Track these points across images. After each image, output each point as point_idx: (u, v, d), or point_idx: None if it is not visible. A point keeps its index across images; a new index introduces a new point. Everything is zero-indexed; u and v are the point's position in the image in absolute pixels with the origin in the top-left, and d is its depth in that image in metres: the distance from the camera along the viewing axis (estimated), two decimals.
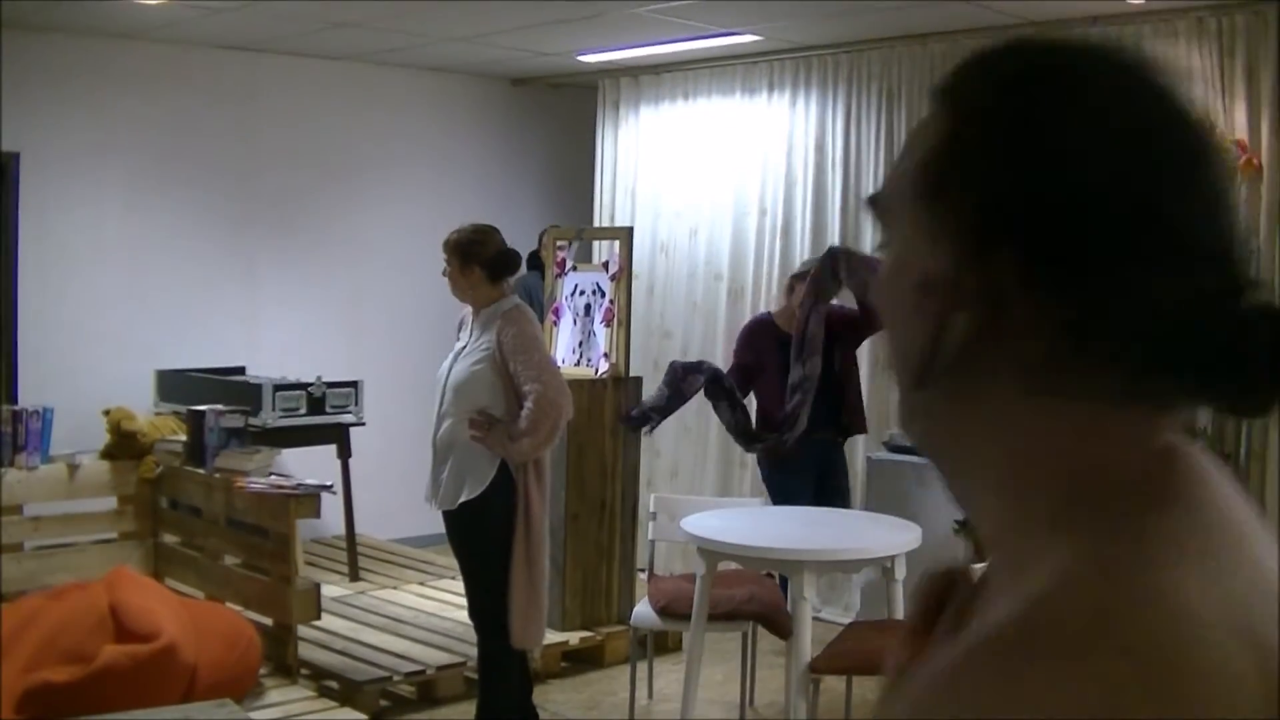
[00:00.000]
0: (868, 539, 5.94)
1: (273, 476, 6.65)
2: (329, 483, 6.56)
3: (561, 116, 10.69)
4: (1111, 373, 0.99)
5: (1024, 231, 0.99)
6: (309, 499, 6.38)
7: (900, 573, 5.86)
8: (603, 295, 7.32)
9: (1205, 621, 0.89)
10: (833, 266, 6.87)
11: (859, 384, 7.42)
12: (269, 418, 7.94)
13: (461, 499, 5.52)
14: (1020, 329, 1.00)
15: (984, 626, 0.95)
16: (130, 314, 8.78)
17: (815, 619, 5.75)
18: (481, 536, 5.55)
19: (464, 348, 5.63)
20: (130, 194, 8.80)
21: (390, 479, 8.91)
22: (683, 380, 6.80)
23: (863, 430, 7.35)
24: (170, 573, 7.19)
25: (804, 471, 7.00)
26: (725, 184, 9.15)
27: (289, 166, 9.51)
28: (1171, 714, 0.85)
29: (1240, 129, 6.76)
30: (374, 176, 9.89)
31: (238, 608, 6.59)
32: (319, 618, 6.54)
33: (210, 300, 9.14)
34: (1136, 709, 0.85)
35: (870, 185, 8.32)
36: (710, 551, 5.77)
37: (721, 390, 6.87)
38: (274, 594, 6.47)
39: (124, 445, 7.16)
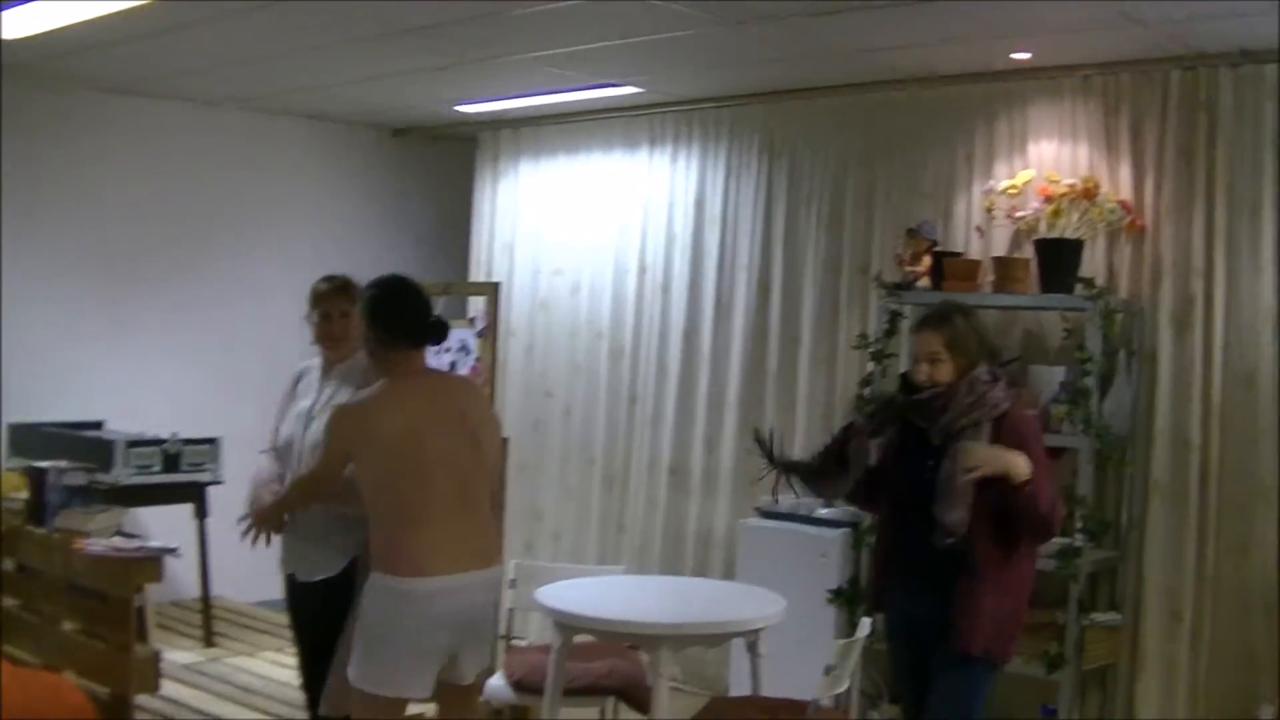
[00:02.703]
0: (730, 612, 5.69)
1: (117, 538, 6.31)
2: (174, 545, 6.23)
3: (442, 168, 10.47)
4: None
5: None
6: (150, 563, 6.05)
7: (764, 647, 5.63)
8: (469, 353, 7.06)
9: None
10: None
11: None
12: (121, 475, 7.63)
13: (327, 574, 5.12)
14: None
15: None
16: None
17: (680, 691, 5.52)
18: (340, 610, 5.09)
19: (314, 405, 5.22)
20: None
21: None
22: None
23: None
24: (10, 639, 6.80)
25: None
26: (606, 240, 8.97)
27: (164, 213, 9.24)
28: None
29: (1125, 188, 6.64)
30: (251, 226, 9.63)
31: (75, 678, 6.23)
32: (157, 689, 6.18)
33: (74, 352, 8.80)
34: None
35: (747, 241, 8.17)
36: (565, 625, 5.51)
37: None
38: (112, 663, 6.09)
39: None
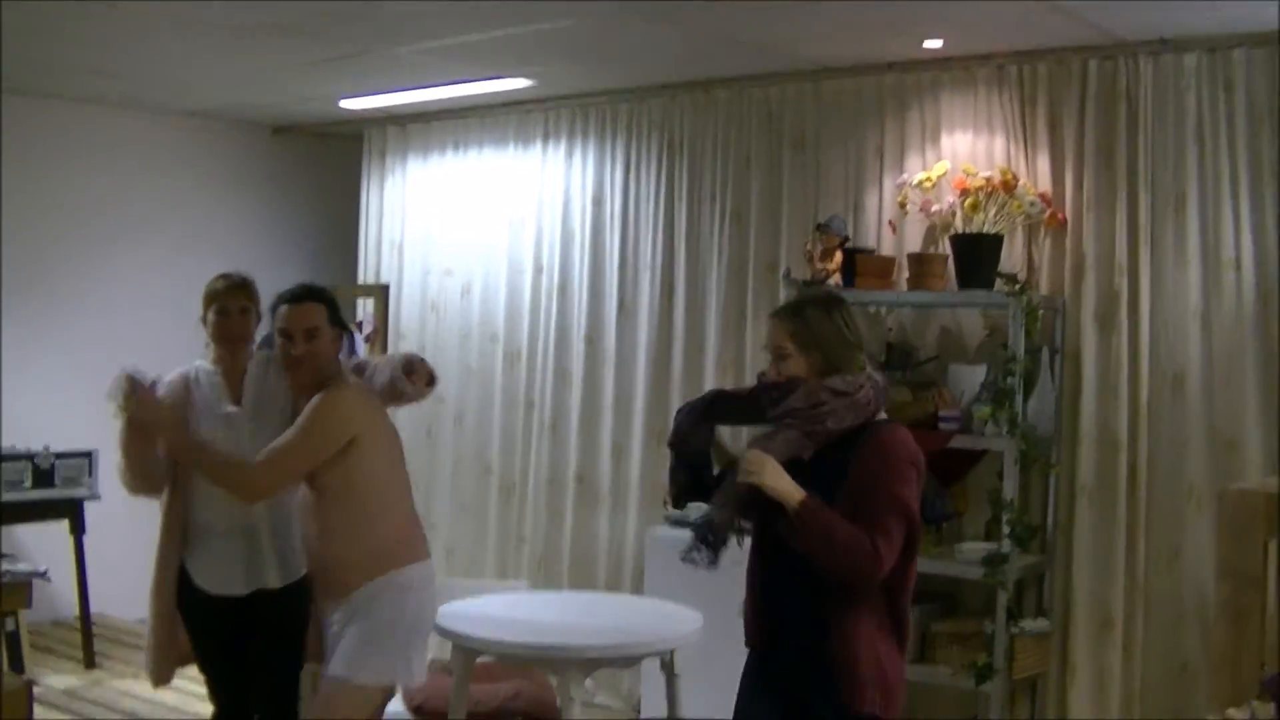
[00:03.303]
0: (643, 630, 5.39)
1: None
2: (43, 568, 5.84)
3: (326, 167, 10.09)
4: None
5: None
6: (18, 588, 5.71)
7: (680, 666, 5.34)
8: (356, 357, 6.70)
9: None
10: None
11: None
12: None
13: (297, 576, 4.91)
14: None
15: None
16: None
17: (592, 705, 5.27)
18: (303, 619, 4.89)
19: (251, 407, 4.91)
20: None
21: (136, 555, 8.11)
22: None
23: None
24: None
25: None
26: (499, 240, 8.64)
27: (34, 218, 8.76)
28: None
29: (1044, 181, 6.42)
30: (126, 230, 9.17)
31: None
32: None
33: None
34: None
35: (649, 240, 7.90)
36: (466, 648, 5.19)
37: None
38: None
39: None
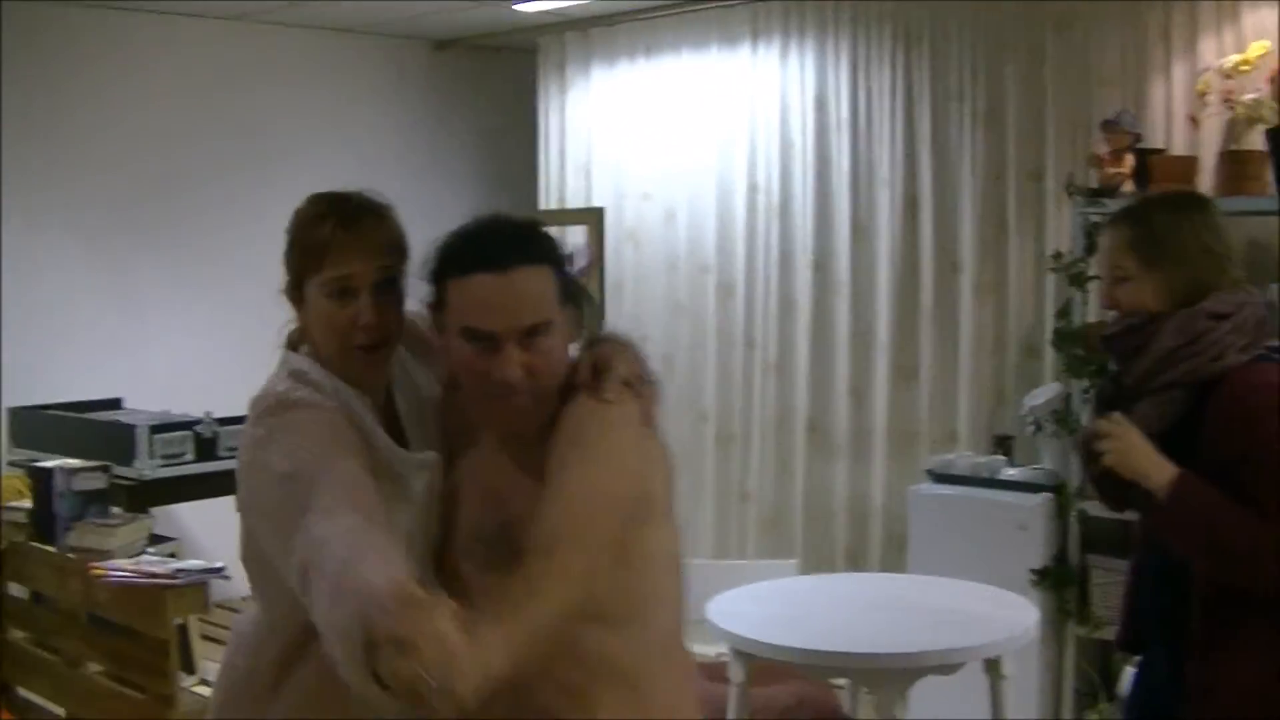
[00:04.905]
0: (969, 626, 4.38)
1: (146, 556, 5.01)
2: (219, 564, 4.91)
3: (496, 84, 9.14)
4: None
5: None
6: (193, 591, 4.77)
7: (1009, 668, 4.34)
8: None
9: None
10: None
11: None
12: (146, 467, 6.29)
13: None
14: None
15: None
16: None
17: None
18: None
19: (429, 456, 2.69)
20: None
21: None
22: None
23: None
24: (21, 680, 5.61)
25: None
26: (705, 156, 7.65)
27: (172, 153, 7.83)
28: None
29: None
30: (275, 164, 8.19)
31: None
32: None
33: (75, 320, 7.43)
34: None
35: (884, 149, 6.93)
36: (749, 654, 4.23)
37: None
38: (151, 715, 4.83)
39: None
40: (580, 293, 2.66)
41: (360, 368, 2.67)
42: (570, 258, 5.84)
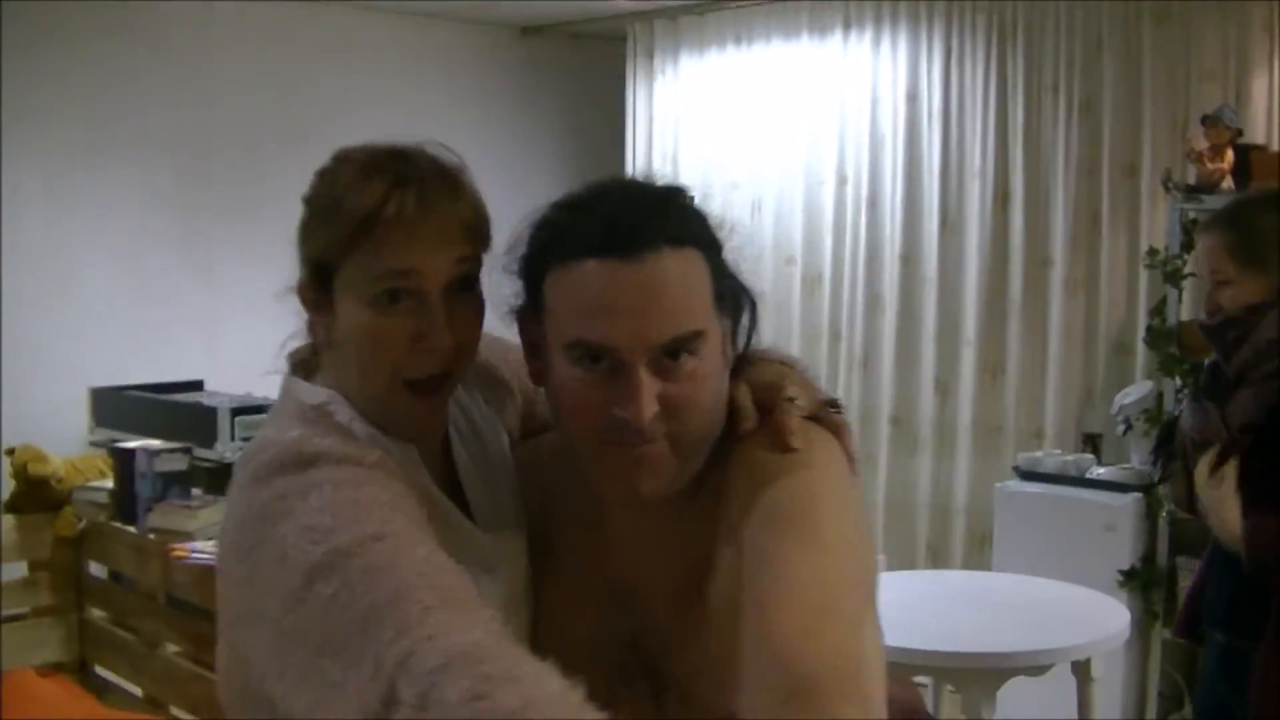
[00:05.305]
0: (1059, 626, 4.30)
1: None
2: None
3: (583, 71, 9.10)
4: None
5: None
6: None
7: (1099, 670, 4.25)
8: None
9: None
10: None
11: None
12: (227, 450, 6.30)
13: None
14: None
15: None
16: (58, 322, 7.14)
17: None
18: None
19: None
20: (51, 178, 7.14)
21: None
22: None
23: None
24: (99, 658, 5.58)
25: None
26: (794, 147, 7.57)
27: (253, 137, 7.87)
28: None
29: None
30: (356, 143, 8.28)
31: (184, 715, 4.99)
32: None
33: (155, 301, 7.48)
34: None
35: (976, 141, 6.84)
36: None
37: None
38: None
39: (34, 494, 5.50)
40: (743, 293, 1.83)
41: (412, 409, 1.80)
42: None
